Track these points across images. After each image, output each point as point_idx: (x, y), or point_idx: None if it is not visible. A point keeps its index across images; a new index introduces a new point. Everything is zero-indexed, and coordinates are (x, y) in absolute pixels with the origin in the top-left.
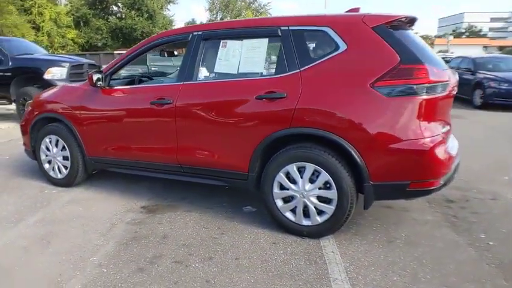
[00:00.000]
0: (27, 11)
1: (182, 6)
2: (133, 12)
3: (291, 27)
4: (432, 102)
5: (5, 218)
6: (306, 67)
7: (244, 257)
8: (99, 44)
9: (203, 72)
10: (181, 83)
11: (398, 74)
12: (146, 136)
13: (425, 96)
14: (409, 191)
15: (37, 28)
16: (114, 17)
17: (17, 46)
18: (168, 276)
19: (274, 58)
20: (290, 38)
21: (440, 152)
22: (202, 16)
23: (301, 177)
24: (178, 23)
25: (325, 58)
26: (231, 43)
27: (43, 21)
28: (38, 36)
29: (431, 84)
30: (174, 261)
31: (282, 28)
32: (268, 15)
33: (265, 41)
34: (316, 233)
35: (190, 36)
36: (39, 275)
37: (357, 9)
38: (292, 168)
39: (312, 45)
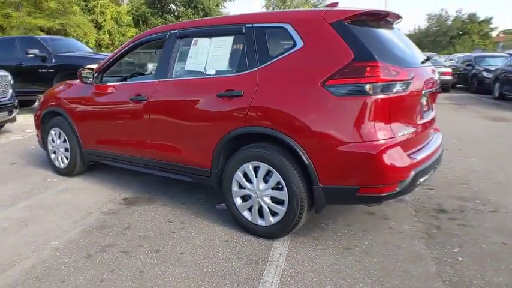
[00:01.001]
0: (91, 10)
1: (238, 4)
2: (189, 10)
3: (254, 25)
4: (386, 102)
5: (1, 201)
6: (264, 65)
7: (190, 252)
8: None
9: (176, 70)
10: (157, 80)
11: (350, 72)
12: (127, 131)
13: (379, 96)
14: (360, 197)
15: (99, 27)
16: (171, 15)
17: (60, 44)
18: (109, 264)
19: (238, 56)
20: (253, 36)
21: (392, 157)
22: None
23: (256, 177)
24: None
25: (282, 56)
26: (201, 41)
27: (104, 20)
28: (99, 35)
29: (385, 83)
30: (121, 251)
31: (247, 25)
32: None
33: (231, 38)
34: (269, 233)
35: (168, 34)
36: (3, 253)
37: (335, 4)
38: (248, 167)
39: (272, 43)
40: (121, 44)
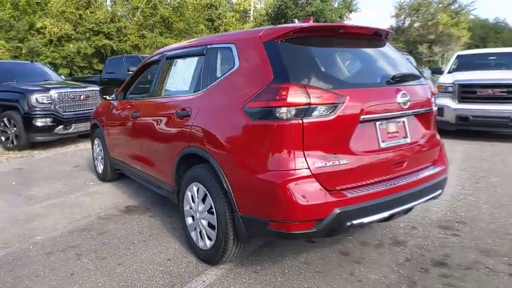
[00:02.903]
0: (216, 29)
1: (366, 14)
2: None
3: (213, 46)
4: (298, 128)
5: (37, 197)
6: (210, 86)
7: (127, 264)
8: None
9: (160, 89)
10: (146, 98)
11: (265, 94)
12: (129, 143)
13: (290, 121)
14: (270, 231)
15: None
16: None
17: None
18: (56, 262)
19: (197, 76)
20: (209, 57)
21: (302, 190)
22: (387, 23)
23: (197, 198)
24: None
25: (223, 77)
26: (179, 62)
27: None
28: None
29: (297, 107)
30: (76, 253)
31: (208, 47)
32: (471, 18)
33: (195, 60)
34: (207, 258)
35: (161, 56)
36: None
37: (308, 19)
38: (192, 188)
39: (221, 64)
40: None
